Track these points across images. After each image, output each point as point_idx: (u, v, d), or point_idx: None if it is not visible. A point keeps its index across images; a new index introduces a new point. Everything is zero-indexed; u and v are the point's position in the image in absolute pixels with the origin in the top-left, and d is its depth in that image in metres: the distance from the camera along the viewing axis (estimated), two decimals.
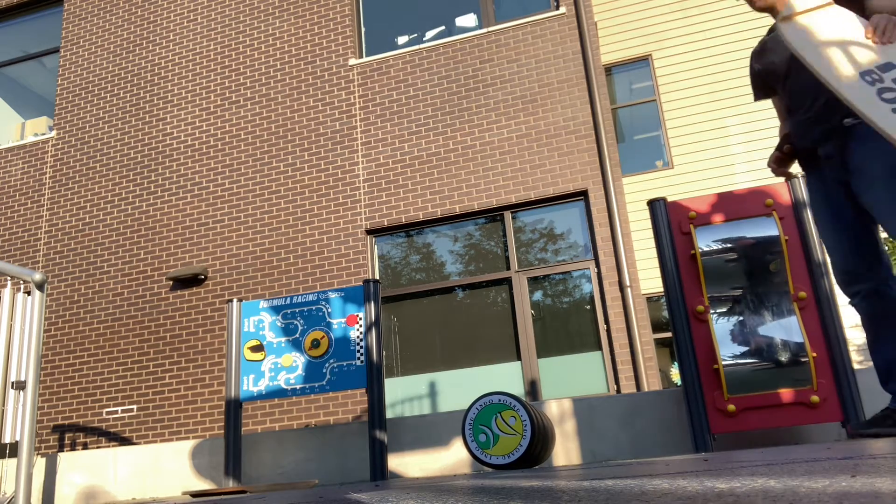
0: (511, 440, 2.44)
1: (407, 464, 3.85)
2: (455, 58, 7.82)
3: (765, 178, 9.17)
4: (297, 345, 3.98)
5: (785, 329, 3.30)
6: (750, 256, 3.45)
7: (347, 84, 8.03)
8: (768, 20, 9.79)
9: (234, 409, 3.94)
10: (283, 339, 4.01)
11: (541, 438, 2.49)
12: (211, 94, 8.43)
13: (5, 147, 9.11)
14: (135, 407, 7.54)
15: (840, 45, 2.11)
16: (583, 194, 7.16)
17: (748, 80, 11.27)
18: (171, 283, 7.84)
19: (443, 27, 8.50)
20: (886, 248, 6.87)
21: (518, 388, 6.80)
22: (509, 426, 2.45)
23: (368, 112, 7.88)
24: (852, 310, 2.61)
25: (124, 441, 7.43)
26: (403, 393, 7.15)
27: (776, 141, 9.57)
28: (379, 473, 3.63)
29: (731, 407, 3.21)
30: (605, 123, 7.19)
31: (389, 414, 6.87)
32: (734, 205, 3.52)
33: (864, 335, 2.59)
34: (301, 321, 4.01)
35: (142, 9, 9.05)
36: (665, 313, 9.36)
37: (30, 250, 8.44)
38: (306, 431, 4.23)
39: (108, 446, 7.31)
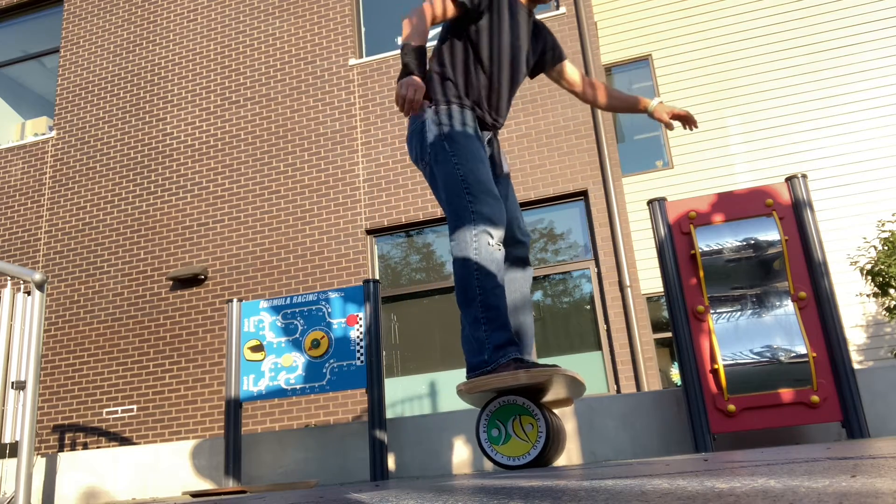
0: (522, 446, 2.42)
1: (407, 464, 3.85)
2: None
3: (765, 178, 9.17)
4: (297, 345, 3.98)
5: (785, 329, 3.30)
6: (750, 256, 3.45)
7: (347, 84, 8.03)
8: (768, 21, 9.79)
9: (234, 409, 3.94)
10: (283, 339, 4.01)
11: (551, 449, 2.47)
12: (211, 94, 8.42)
13: (5, 147, 9.11)
14: (135, 407, 7.54)
15: None
16: (583, 194, 7.16)
17: (748, 80, 11.05)
18: (171, 283, 7.84)
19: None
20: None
21: None
22: (525, 432, 2.43)
23: (368, 112, 7.87)
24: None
25: (124, 441, 7.42)
26: (403, 393, 7.15)
27: (776, 141, 9.56)
28: (379, 473, 3.63)
29: (731, 407, 3.21)
30: (604, 123, 7.18)
31: (389, 414, 6.86)
32: (734, 205, 3.52)
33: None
34: (301, 321, 4.01)
35: (142, 9, 9.05)
36: (665, 313, 9.36)
37: (30, 250, 8.44)
38: (306, 431, 4.23)
39: (108, 446, 7.31)
